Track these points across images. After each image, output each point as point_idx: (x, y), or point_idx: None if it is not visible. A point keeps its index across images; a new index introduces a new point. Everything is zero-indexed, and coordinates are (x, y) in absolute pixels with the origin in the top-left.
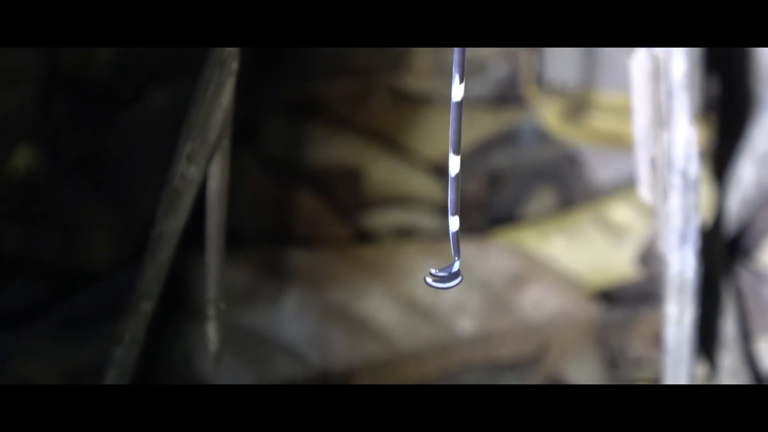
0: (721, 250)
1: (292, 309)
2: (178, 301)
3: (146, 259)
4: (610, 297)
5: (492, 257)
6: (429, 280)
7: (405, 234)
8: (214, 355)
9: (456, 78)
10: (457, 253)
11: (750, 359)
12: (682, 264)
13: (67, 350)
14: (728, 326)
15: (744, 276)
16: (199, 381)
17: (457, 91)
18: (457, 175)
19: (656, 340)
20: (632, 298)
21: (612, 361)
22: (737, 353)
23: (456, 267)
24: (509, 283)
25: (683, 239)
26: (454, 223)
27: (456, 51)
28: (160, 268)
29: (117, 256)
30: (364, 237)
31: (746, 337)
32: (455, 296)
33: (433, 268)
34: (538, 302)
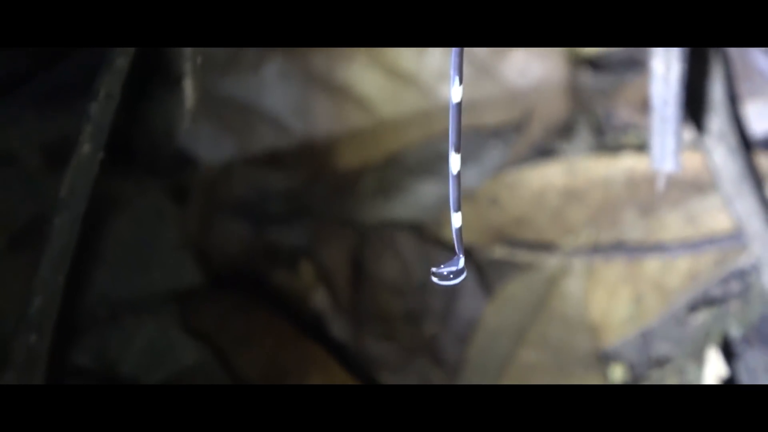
0: None
1: (273, 77)
2: (160, 71)
3: None
4: (596, 63)
5: None
6: (436, 279)
7: None
8: (190, 112)
9: (456, 80)
10: (461, 249)
11: (737, 122)
12: None
13: (48, 121)
14: (716, 90)
15: None
16: (179, 150)
17: (456, 93)
18: (459, 173)
19: (642, 106)
20: (618, 65)
21: (597, 127)
22: (724, 116)
23: (461, 263)
24: (493, 49)
25: None
26: (456, 219)
27: (454, 53)
28: None
29: None
30: None
31: (734, 101)
32: (438, 63)
33: (436, 266)
34: (523, 69)
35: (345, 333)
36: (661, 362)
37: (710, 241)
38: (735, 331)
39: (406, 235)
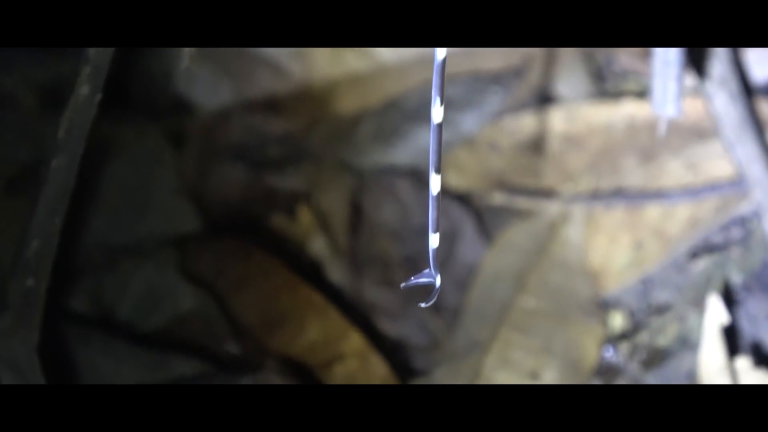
0: None
1: None
2: None
3: None
4: None
5: None
6: (422, 305)
7: None
8: (188, 55)
9: (437, 100)
10: (437, 269)
11: (738, 68)
12: None
13: (45, 63)
14: None
15: None
16: (177, 94)
17: (437, 114)
18: (438, 194)
19: (643, 53)
20: None
21: (598, 73)
22: (726, 62)
23: (438, 283)
24: None
25: None
26: (434, 240)
27: (435, 73)
28: None
29: None
30: None
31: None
32: None
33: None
34: None
35: (343, 278)
36: (661, 309)
37: (711, 187)
38: (736, 278)
39: (405, 180)
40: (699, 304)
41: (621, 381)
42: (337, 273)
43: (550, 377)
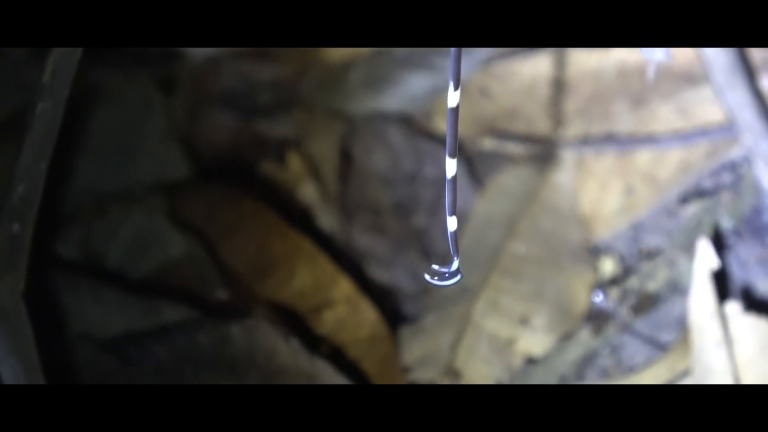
0: None
1: None
2: None
3: None
4: None
5: None
6: (429, 277)
7: None
8: None
9: (451, 85)
10: (456, 252)
11: None
12: None
13: None
14: None
15: None
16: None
17: (453, 98)
18: (454, 177)
19: None
20: None
21: None
22: None
23: (456, 265)
24: None
25: None
26: (452, 223)
27: (452, 59)
28: None
29: None
30: None
31: None
32: None
33: (434, 265)
34: None
35: (333, 225)
36: (651, 254)
37: (702, 132)
38: (726, 223)
39: (396, 126)
40: (689, 249)
41: (611, 326)
42: (327, 219)
43: (540, 323)
